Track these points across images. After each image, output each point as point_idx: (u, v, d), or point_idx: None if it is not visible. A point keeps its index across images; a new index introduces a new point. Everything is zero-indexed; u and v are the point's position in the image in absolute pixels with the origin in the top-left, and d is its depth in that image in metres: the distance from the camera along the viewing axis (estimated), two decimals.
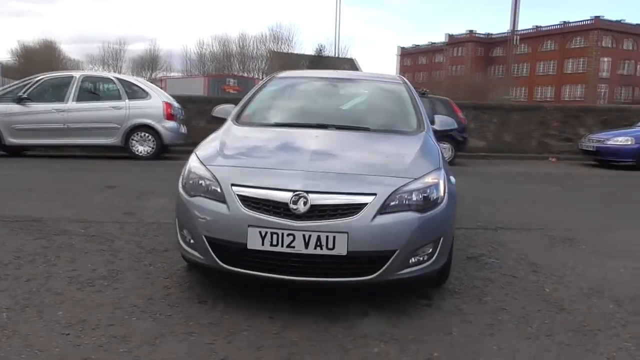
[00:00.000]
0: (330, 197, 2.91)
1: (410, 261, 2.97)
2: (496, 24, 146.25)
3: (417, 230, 2.94)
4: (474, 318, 3.06)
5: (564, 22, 77.70)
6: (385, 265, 2.91)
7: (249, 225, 2.89)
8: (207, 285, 3.41)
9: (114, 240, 4.38)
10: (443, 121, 4.38)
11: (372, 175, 3.12)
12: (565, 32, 76.89)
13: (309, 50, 77.49)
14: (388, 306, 3.17)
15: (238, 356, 2.54)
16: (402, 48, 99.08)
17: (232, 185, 3.00)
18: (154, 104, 10.33)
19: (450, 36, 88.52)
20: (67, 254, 3.96)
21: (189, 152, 3.56)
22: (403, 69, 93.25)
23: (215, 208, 3.00)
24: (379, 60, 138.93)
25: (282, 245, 2.85)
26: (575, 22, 76.61)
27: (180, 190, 3.25)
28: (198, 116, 12.57)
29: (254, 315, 2.97)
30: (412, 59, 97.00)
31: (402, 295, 3.30)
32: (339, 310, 3.07)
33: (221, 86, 48.05)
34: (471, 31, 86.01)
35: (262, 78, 19.81)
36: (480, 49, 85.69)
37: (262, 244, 2.86)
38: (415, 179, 3.08)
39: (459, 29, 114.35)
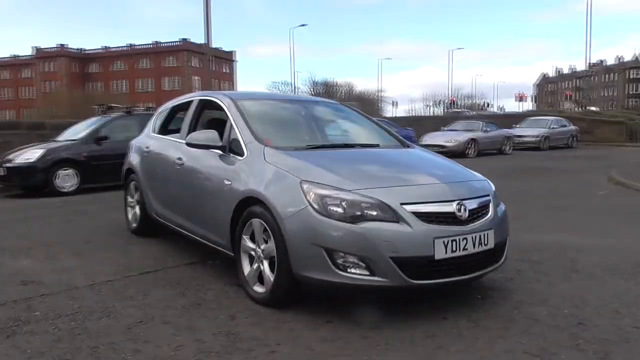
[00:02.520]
0: (472, 201, 3.39)
1: None
2: (89, 40, 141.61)
3: (507, 219, 3.73)
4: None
5: (156, 42, 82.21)
6: (506, 250, 3.60)
7: (434, 238, 3.11)
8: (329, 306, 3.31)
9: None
10: None
11: (469, 180, 3.70)
12: (158, 52, 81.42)
13: None
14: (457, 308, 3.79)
15: None
16: None
17: (402, 204, 3.13)
18: None
19: (39, 49, 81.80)
20: None
21: None
22: None
23: (396, 228, 3.06)
24: None
25: (459, 250, 3.19)
26: (166, 42, 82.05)
27: (328, 220, 3.08)
28: None
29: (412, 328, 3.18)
30: None
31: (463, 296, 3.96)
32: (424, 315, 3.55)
33: None
34: (62, 45, 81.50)
35: None
36: (75, 64, 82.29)
37: (445, 253, 3.14)
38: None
39: (48, 42, 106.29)
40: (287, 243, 3.18)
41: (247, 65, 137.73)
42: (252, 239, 3.56)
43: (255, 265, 3.52)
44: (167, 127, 5.52)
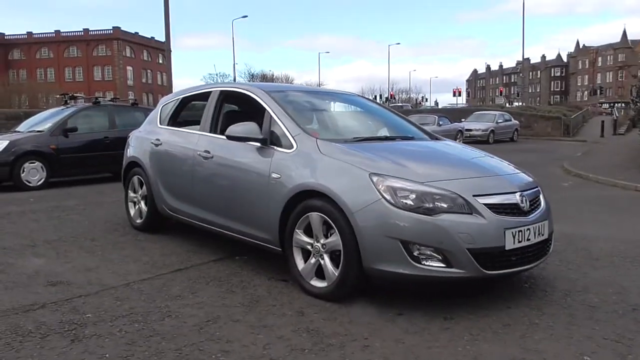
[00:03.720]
0: (528, 192, 3.49)
1: None
2: (12, 23, 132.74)
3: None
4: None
5: (86, 29, 78.49)
6: (552, 240, 3.73)
7: (505, 229, 3.19)
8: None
9: None
10: None
11: (519, 172, 3.79)
12: (88, 40, 77.80)
13: None
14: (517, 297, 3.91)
15: None
16: None
17: (474, 196, 3.18)
18: None
19: None
20: None
21: None
22: None
23: (471, 220, 3.10)
24: None
25: (524, 240, 3.28)
26: (96, 30, 78.49)
27: (404, 212, 3.08)
28: None
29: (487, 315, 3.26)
30: None
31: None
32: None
33: None
34: None
35: None
36: None
37: (514, 243, 3.22)
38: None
39: None
40: (358, 236, 3.15)
41: (181, 57, 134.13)
42: (308, 233, 3.50)
43: (313, 260, 3.46)
44: (177, 119, 5.29)
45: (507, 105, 51.96)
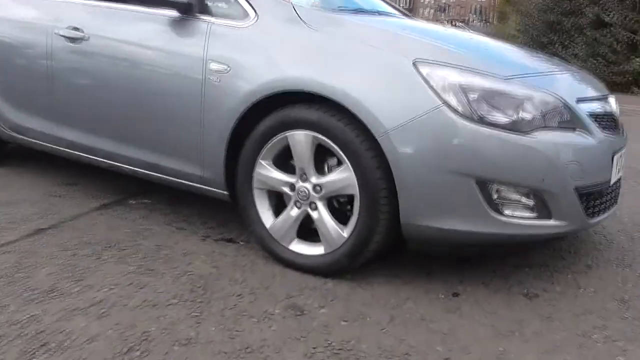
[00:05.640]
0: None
1: None
2: None
3: None
4: None
5: None
6: None
7: (613, 153, 2.04)
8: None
9: None
10: None
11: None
12: None
13: None
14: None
15: None
16: None
17: (578, 101, 1.96)
18: None
19: None
20: None
21: None
22: None
23: (577, 140, 1.89)
24: None
25: (620, 169, 2.20)
26: None
27: (483, 128, 1.76)
28: None
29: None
30: None
31: None
32: None
33: None
34: None
35: None
36: None
37: (615, 174, 2.11)
38: None
39: None
40: (395, 172, 1.79)
41: None
42: (282, 167, 2.05)
43: (294, 211, 2.04)
44: None
45: None
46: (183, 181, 2.33)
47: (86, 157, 2.66)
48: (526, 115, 1.79)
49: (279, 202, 2.15)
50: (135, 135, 2.42)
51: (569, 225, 1.89)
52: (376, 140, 1.80)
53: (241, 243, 2.32)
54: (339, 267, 1.97)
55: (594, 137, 1.92)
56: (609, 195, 2.09)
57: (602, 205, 2.06)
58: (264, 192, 2.12)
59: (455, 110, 1.75)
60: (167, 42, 2.27)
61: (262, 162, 2.07)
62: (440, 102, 1.76)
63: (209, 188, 2.27)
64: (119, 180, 2.93)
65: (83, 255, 2.11)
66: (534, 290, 2.01)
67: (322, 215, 1.98)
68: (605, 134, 1.99)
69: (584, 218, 1.93)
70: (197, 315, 1.73)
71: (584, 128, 1.90)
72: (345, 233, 1.94)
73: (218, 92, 2.10)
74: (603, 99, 2.11)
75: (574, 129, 1.89)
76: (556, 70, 2.19)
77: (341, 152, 1.88)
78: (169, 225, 2.48)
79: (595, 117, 1.99)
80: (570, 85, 2.04)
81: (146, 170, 2.42)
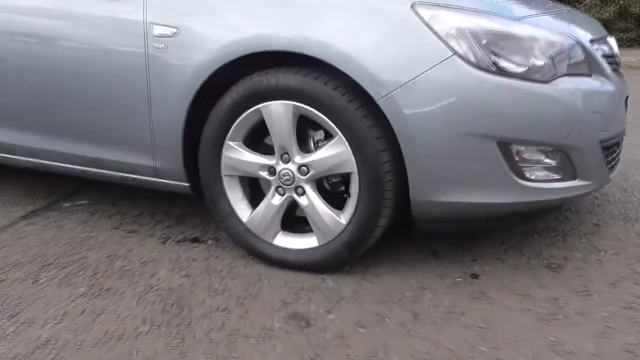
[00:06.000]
0: None
1: None
2: None
3: None
4: None
5: None
6: None
7: (627, 98, 1.84)
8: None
9: None
10: None
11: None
12: None
13: None
14: None
15: None
16: None
17: (592, 42, 1.72)
18: None
19: None
20: None
21: None
22: None
23: (597, 87, 1.65)
24: None
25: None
26: None
27: (500, 78, 1.47)
28: None
29: None
30: None
31: None
32: None
33: None
34: None
35: None
36: None
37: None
38: None
39: None
40: (402, 142, 1.47)
41: None
42: (255, 149, 1.70)
43: (275, 199, 1.70)
44: None
45: None
46: (132, 175, 1.91)
47: (2, 156, 2.16)
48: (545, 61, 1.52)
49: (253, 191, 1.80)
50: (65, 127, 1.96)
51: (593, 184, 1.66)
52: (376, 104, 1.48)
53: (209, 242, 1.95)
54: (339, 260, 1.66)
55: (612, 83, 1.69)
56: (618, 148, 1.88)
57: (617, 158, 1.86)
58: (235, 179, 1.76)
59: (467, 60, 1.45)
60: (94, 4, 1.82)
61: (231, 143, 1.70)
62: (450, 52, 1.45)
63: (165, 181, 1.87)
64: (45, 179, 2.46)
65: (14, 281, 1.68)
66: (554, 260, 1.79)
67: (313, 200, 1.65)
68: (619, 78, 1.77)
69: (606, 174, 1.71)
70: (178, 345, 1.36)
71: (601, 72, 1.67)
72: (343, 219, 1.62)
73: (166, 63, 1.70)
74: (605, 39, 1.89)
75: (590, 75, 1.65)
76: (564, 9, 1.95)
77: (331, 123, 1.55)
78: (116, 230, 2.06)
79: (608, 60, 1.75)
80: (580, 25, 1.79)
81: (85, 166, 1.99)
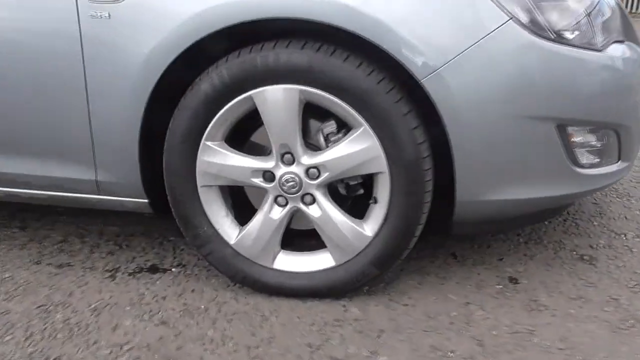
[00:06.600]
0: None
1: None
2: None
3: None
4: None
5: None
6: None
7: None
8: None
9: None
10: None
11: None
12: None
13: None
14: None
15: None
16: None
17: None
18: None
19: None
20: None
21: None
22: None
23: (637, 57, 1.46)
24: None
25: None
26: None
27: (561, 47, 1.21)
28: None
29: None
30: None
31: None
32: None
33: None
34: None
35: None
36: None
37: None
38: None
39: None
40: (453, 129, 1.18)
41: None
42: (239, 149, 1.31)
43: (274, 212, 1.32)
44: None
45: None
46: (64, 194, 1.41)
47: None
48: (598, 25, 1.29)
49: (236, 202, 1.40)
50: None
51: (629, 166, 1.48)
52: (414, 85, 1.16)
53: (174, 270, 1.52)
54: (365, 282, 1.33)
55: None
56: None
57: None
58: (214, 190, 1.35)
59: (525, 26, 1.17)
60: None
61: (210, 144, 1.28)
62: (507, 16, 1.16)
63: (113, 198, 1.40)
64: None
65: None
66: (582, 251, 1.61)
67: (327, 210, 1.29)
68: None
69: (636, 155, 1.54)
70: None
71: (634, 40, 1.47)
72: (369, 231, 1.29)
73: (110, 39, 1.23)
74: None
75: (622, 41, 1.45)
76: None
77: (353, 111, 1.20)
78: (38, 265, 1.55)
79: None
80: None
81: (5, 187, 1.44)
